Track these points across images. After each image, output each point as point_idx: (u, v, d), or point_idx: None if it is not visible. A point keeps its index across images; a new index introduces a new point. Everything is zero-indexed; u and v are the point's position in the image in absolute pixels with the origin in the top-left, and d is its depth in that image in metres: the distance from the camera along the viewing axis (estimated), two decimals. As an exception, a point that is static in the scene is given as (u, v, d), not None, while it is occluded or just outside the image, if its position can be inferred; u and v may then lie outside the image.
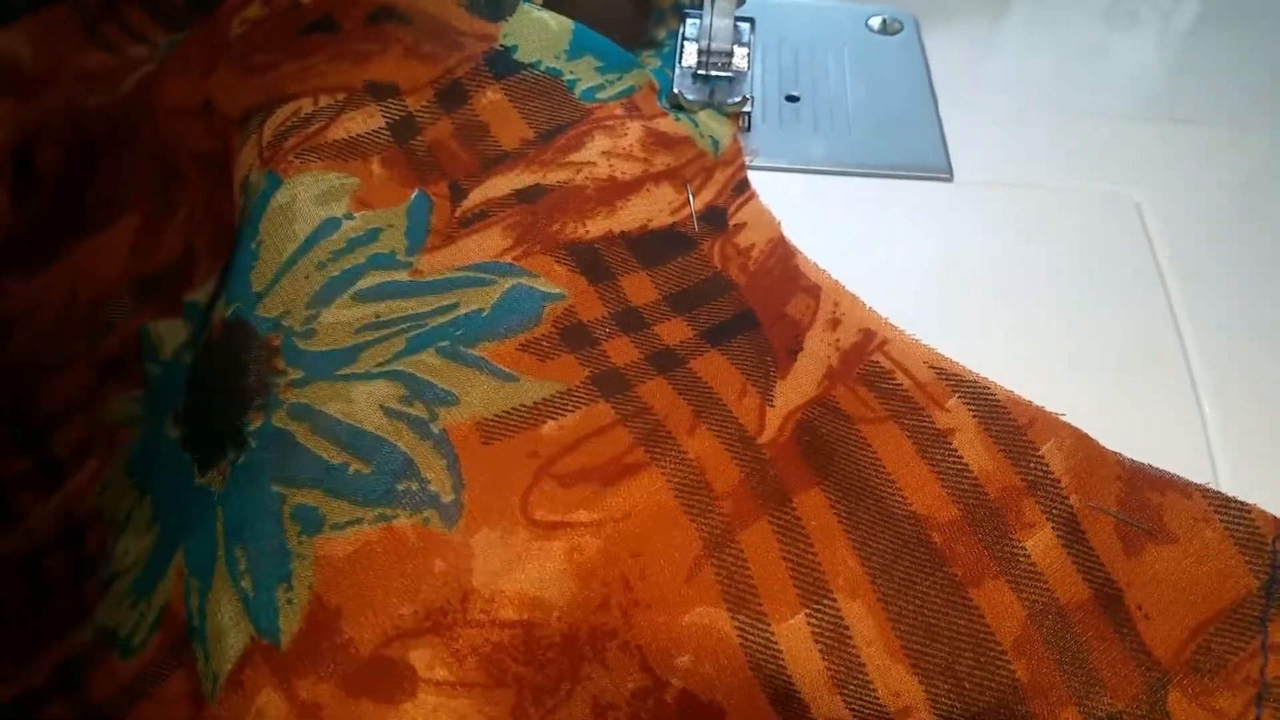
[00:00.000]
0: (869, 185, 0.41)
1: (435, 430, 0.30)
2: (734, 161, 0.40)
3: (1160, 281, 0.37)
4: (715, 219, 0.38)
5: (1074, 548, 0.29)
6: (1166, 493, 0.29)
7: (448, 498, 0.29)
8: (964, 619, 0.28)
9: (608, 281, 0.35)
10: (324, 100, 0.37)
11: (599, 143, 0.38)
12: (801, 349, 0.33)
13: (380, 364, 0.31)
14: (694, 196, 0.38)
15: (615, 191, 0.37)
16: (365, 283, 0.33)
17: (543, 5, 0.41)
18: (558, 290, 0.34)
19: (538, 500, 0.29)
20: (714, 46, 0.43)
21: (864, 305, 0.34)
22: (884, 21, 0.50)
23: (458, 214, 0.35)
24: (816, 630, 0.28)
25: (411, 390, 0.30)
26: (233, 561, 0.28)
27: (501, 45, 0.39)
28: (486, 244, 0.35)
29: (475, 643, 0.27)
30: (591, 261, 0.35)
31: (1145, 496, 0.29)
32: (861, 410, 0.32)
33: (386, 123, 0.37)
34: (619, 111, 0.39)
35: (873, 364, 0.33)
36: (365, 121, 0.36)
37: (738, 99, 0.42)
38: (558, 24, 0.40)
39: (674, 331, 0.34)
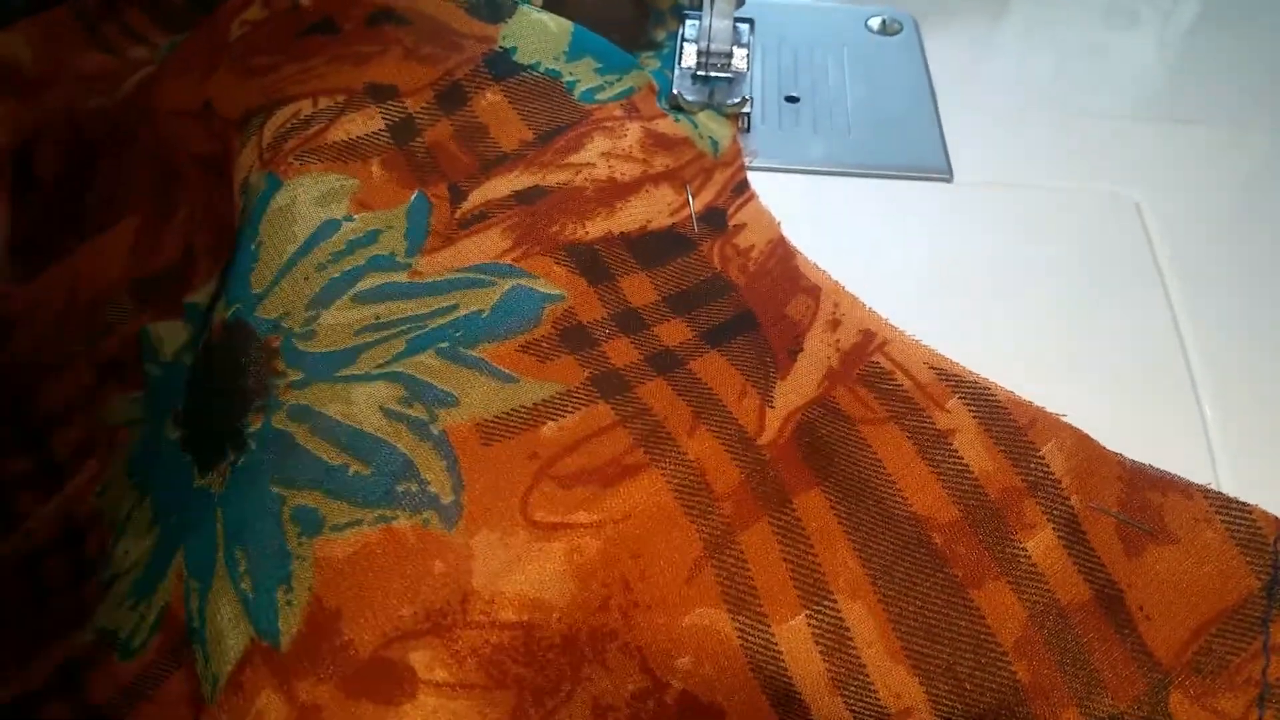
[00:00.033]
0: (868, 186, 0.41)
1: (435, 431, 0.30)
2: (733, 162, 0.40)
3: (1160, 282, 0.37)
4: (715, 220, 0.38)
5: (1075, 548, 0.29)
6: (1167, 493, 0.29)
7: (447, 499, 0.29)
8: (965, 620, 0.28)
9: (607, 283, 0.35)
10: (324, 102, 0.37)
11: (598, 144, 0.38)
12: (801, 350, 0.33)
13: (380, 365, 0.31)
14: (693, 197, 0.38)
15: (615, 192, 0.37)
16: (365, 284, 0.33)
17: (542, 7, 0.41)
18: (557, 291, 0.34)
19: (537, 501, 0.29)
20: (713, 47, 0.43)
21: (864, 306, 0.34)
22: (883, 22, 0.50)
23: (457, 215, 0.35)
24: (817, 631, 0.28)
25: (411, 391, 0.30)
26: (232, 563, 0.28)
27: (501, 47, 0.39)
28: (486, 245, 0.35)
29: (475, 644, 0.27)
30: (591, 263, 0.35)
31: (1146, 497, 0.29)
32: (862, 411, 0.31)
33: (386, 124, 0.37)
34: (618, 113, 0.39)
35: (873, 365, 0.33)
36: (365, 123, 0.36)
37: (737, 100, 0.42)
38: (557, 25, 0.40)
39: (674, 332, 0.34)
